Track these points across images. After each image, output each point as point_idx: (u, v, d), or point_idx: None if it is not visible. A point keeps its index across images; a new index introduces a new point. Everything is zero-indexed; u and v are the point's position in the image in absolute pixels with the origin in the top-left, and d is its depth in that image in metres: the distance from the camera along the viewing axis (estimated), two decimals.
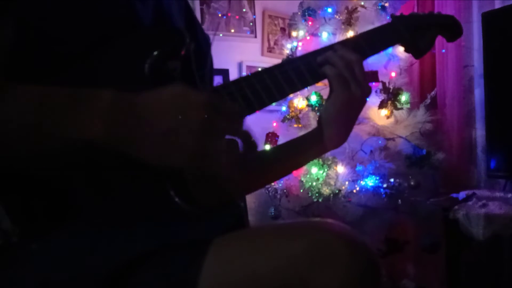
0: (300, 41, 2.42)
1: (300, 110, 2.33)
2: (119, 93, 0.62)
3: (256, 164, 0.95)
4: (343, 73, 0.80)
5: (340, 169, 2.12)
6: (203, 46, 0.96)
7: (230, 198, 0.97)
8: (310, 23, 2.38)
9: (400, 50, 2.25)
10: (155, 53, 0.74)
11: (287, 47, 2.47)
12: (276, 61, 0.84)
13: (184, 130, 0.61)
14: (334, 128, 0.87)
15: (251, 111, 0.77)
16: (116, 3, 0.77)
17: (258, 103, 0.77)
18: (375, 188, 2.08)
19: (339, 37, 2.25)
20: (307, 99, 2.28)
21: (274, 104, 0.82)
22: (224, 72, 3.14)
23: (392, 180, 2.08)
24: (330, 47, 0.83)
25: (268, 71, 0.80)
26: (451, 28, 0.92)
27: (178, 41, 0.76)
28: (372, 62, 2.21)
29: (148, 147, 0.62)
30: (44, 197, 0.67)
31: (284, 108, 2.41)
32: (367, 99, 0.85)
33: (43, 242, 0.66)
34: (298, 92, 2.33)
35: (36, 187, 0.67)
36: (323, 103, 2.22)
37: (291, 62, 0.83)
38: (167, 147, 0.62)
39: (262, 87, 0.78)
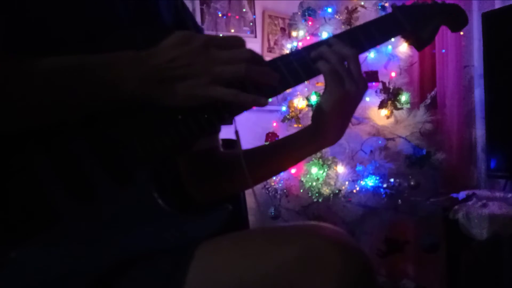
0: (300, 41, 2.42)
1: (300, 110, 2.32)
2: (136, 52, 0.68)
3: (250, 160, 0.94)
4: (337, 68, 0.77)
5: (340, 169, 2.11)
6: None
7: (224, 193, 0.96)
8: (310, 23, 2.38)
9: (400, 50, 2.25)
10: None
11: (287, 47, 2.47)
12: None
13: (196, 68, 0.67)
14: (328, 125, 0.83)
15: (243, 109, 0.75)
16: (93, 1, 0.76)
17: None
18: (375, 188, 2.08)
19: None
20: (307, 99, 2.28)
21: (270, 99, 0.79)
22: None
23: (392, 180, 2.08)
24: (325, 42, 0.80)
25: None
26: (456, 17, 0.87)
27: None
28: (372, 62, 2.21)
29: (170, 93, 0.68)
30: (23, 204, 0.67)
31: (284, 108, 2.41)
32: (365, 95, 0.82)
33: (22, 250, 0.66)
34: (298, 92, 2.33)
35: (13, 194, 0.66)
36: None
37: (283, 58, 0.78)
38: (185, 87, 0.67)
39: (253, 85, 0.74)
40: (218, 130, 0.97)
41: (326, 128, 0.84)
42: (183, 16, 0.93)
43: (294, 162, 0.95)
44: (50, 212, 0.67)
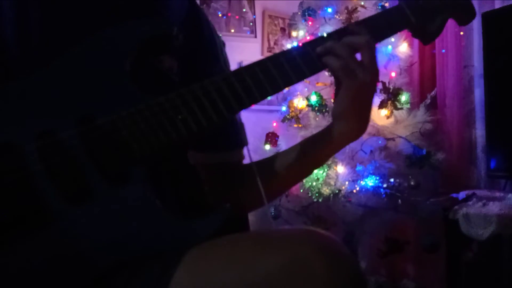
0: (300, 41, 2.42)
1: (300, 110, 2.33)
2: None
3: (275, 168, 0.90)
4: (349, 63, 0.75)
5: (340, 169, 2.12)
6: (211, 45, 0.93)
7: (246, 208, 0.95)
8: (310, 23, 2.38)
9: (400, 50, 2.25)
10: (135, 47, 0.71)
11: (287, 47, 2.47)
12: None
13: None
14: (351, 120, 0.82)
15: (243, 107, 0.73)
16: None
17: (250, 99, 0.73)
18: (375, 188, 2.08)
19: None
20: (307, 99, 2.28)
21: (269, 98, 0.76)
22: None
23: (392, 180, 2.08)
24: (329, 36, 0.78)
25: (260, 64, 0.75)
26: (465, 10, 0.85)
27: (164, 33, 0.73)
28: None
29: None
30: (15, 205, 0.65)
31: (284, 108, 2.41)
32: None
33: (16, 251, 0.64)
34: (298, 92, 2.33)
35: (6, 195, 0.64)
36: (323, 103, 2.22)
37: (286, 53, 0.76)
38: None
39: (254, 81, 0.73)
40: (245, 143, 0.95)
41: (349, 124, 0.83)
42: (196, 19, 0.91)
43: (319, 163, 0.94)
44: (43, 212, 0.65)
